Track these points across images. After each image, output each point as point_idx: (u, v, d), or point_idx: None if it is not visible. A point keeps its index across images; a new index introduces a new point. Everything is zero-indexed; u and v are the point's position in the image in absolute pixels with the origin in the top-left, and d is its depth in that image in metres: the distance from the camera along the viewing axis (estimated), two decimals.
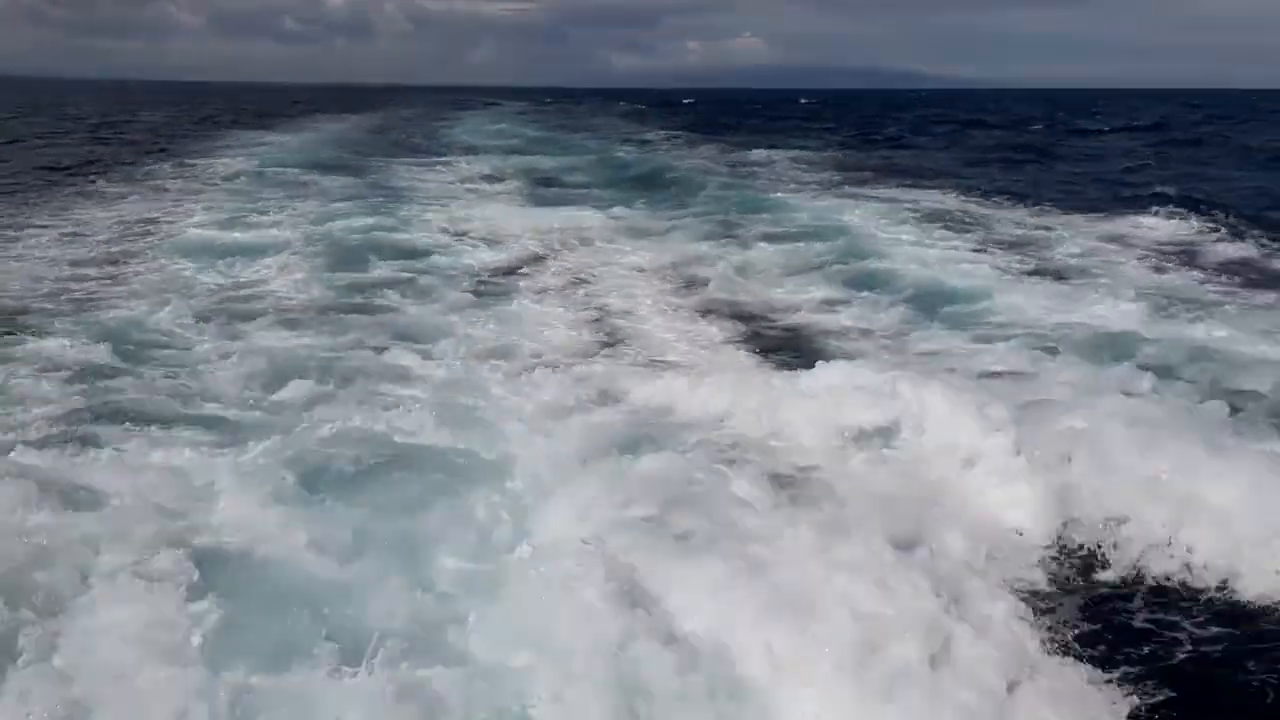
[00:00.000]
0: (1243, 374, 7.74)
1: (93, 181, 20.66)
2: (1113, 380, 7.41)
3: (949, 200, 19.05)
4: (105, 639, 3.91)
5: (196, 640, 3.92)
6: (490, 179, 23.66)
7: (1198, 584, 5.08)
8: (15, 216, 15.35)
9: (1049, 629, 4.57)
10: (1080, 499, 5.69)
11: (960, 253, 13.37)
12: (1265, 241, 13.94)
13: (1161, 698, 4.09)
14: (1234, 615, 4.83)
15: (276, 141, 33.87)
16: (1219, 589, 5.02)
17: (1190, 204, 16.72)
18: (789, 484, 5.86)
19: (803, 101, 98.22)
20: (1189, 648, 4.53)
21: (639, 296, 11.19)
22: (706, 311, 10.56)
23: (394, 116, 56.98)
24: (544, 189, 22.09)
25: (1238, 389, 7.43)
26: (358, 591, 4.47)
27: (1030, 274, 11.99)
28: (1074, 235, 14.86)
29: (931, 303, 10.33)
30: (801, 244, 13.96)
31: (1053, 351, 8.51)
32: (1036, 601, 4.82)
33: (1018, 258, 13.00)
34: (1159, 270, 12.41)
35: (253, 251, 12.95)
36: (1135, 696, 4.07)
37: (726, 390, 7.24)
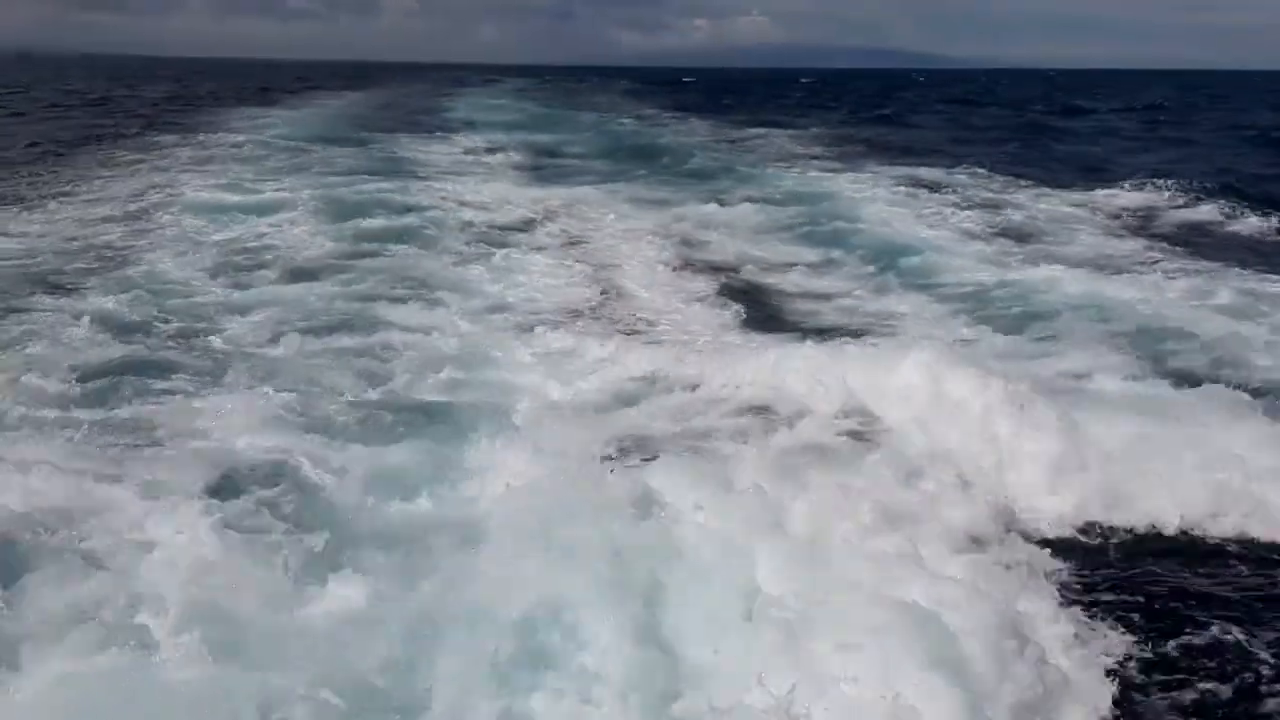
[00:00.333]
0: (1147, 333, 8.47)
1: (106, 152, 21.36)
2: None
3: (932, 174, 19.77)
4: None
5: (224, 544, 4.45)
6: (490, 151, 24.35)
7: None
8: (36, 186, 16.08)
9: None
10: None
11: (928, 219, 14.15)
12: (1220, 213, 14.65)
13: None
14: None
15: (282, 116, 34.50)
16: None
17: (1158, 177, 17.46)
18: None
19: (803, 80, 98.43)
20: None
21: (627, 255, 11.98)
22: (685, 265, 11.44)
23: (398, 93, 57.43)
24: (542, 159, 22.81)
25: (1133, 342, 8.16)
26: (367, 514, 5.10)
27: (992, 236, 12.77)
28: (1040, 203, 15.61)
29: (890, 261, 11.18)
30: (780, 208, 14.73)
31: (985, 308, 9.25)
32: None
33: (982, 224, 13.78)
34: (1114, 236, 13.18)
35: (262, 212, 13.76)
36: None
37: (713, 359, 7.76)
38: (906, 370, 6.63)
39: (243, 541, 4.49)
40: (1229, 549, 5.26)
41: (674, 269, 11.34)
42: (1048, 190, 17.32)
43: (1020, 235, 12.83)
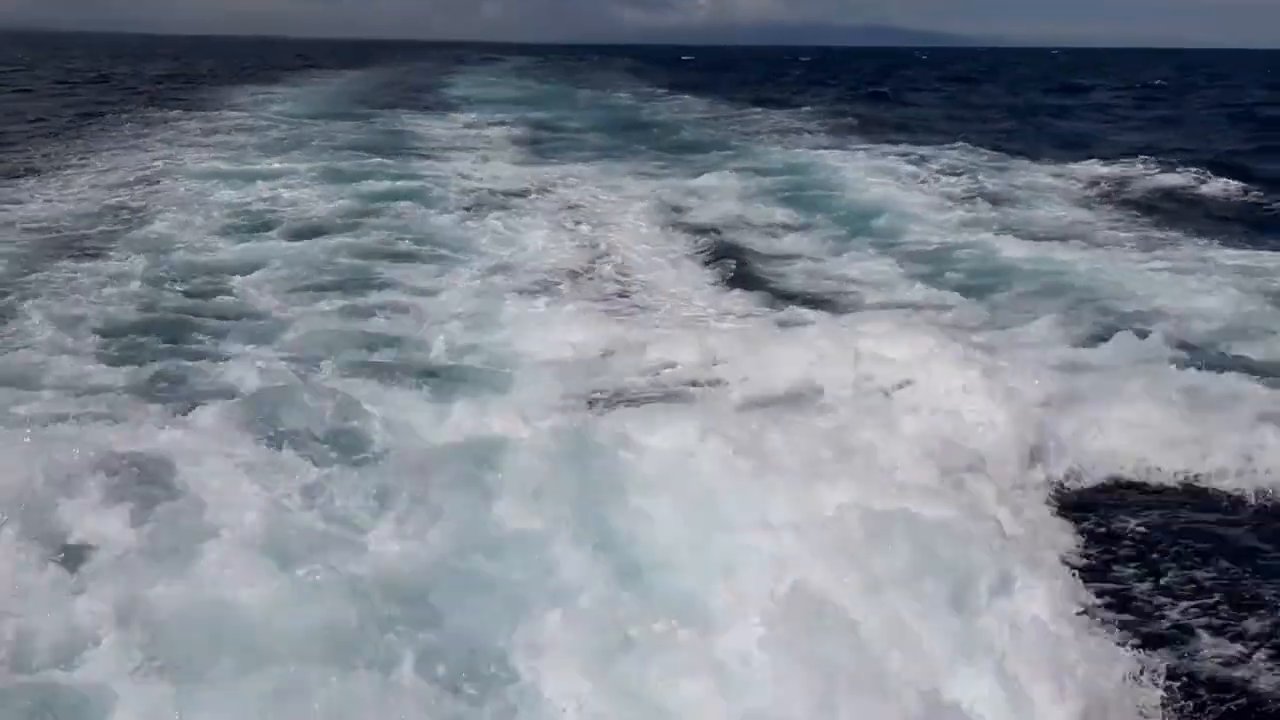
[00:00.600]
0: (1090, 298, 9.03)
1: (113, 127, 21.91)
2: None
3: (920, 149, 20.33)
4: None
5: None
6: (489, 127, 24.88)
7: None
8: (50, 158, 16.67)
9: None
10: None
11: (907, 186, 14.81)
12: (1186, 185, 15.20)
13: None
14: None
15: (283, 93, 35.00)
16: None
17: (1139, 152, 18.03)
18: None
19: (801, 59, 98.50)
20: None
21: (618, 221, 12.62)
22: (670, 227, 12.15)
23: (397, 71, 57.76)
24: (540, 135, 23.35)
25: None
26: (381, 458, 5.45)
27: (963, 202, 13.43)
28: (1020, 175, 16.21)
29: (863, 225, 11.80)
30: (765, 178, 15.38)
31: (943, 269, 9.90)
32: None
33: (958, 191, 14.43)
34: (1080, 205, 13.78)
35: (266, 178, 14.42)
36: None
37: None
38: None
39: (264, 482, 4.84)
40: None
41: (660, 229, 12.01)
42: (1029, 163, 17.89)
43: (993, 203, 13.47)
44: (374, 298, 8.69)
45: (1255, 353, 7.51)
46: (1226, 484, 5.63)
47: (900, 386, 6.61)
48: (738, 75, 60.98)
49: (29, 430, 5.27)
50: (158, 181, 14.15)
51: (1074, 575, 4.56)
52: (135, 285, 8.73)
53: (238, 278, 9.21)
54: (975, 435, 5.98)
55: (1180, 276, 9.46)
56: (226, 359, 6.99)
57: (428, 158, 18.00)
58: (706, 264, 10.58)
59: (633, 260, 10.75)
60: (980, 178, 15.64)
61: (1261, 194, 14.63)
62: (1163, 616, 4.36)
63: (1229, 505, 5.48)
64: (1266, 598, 4.48)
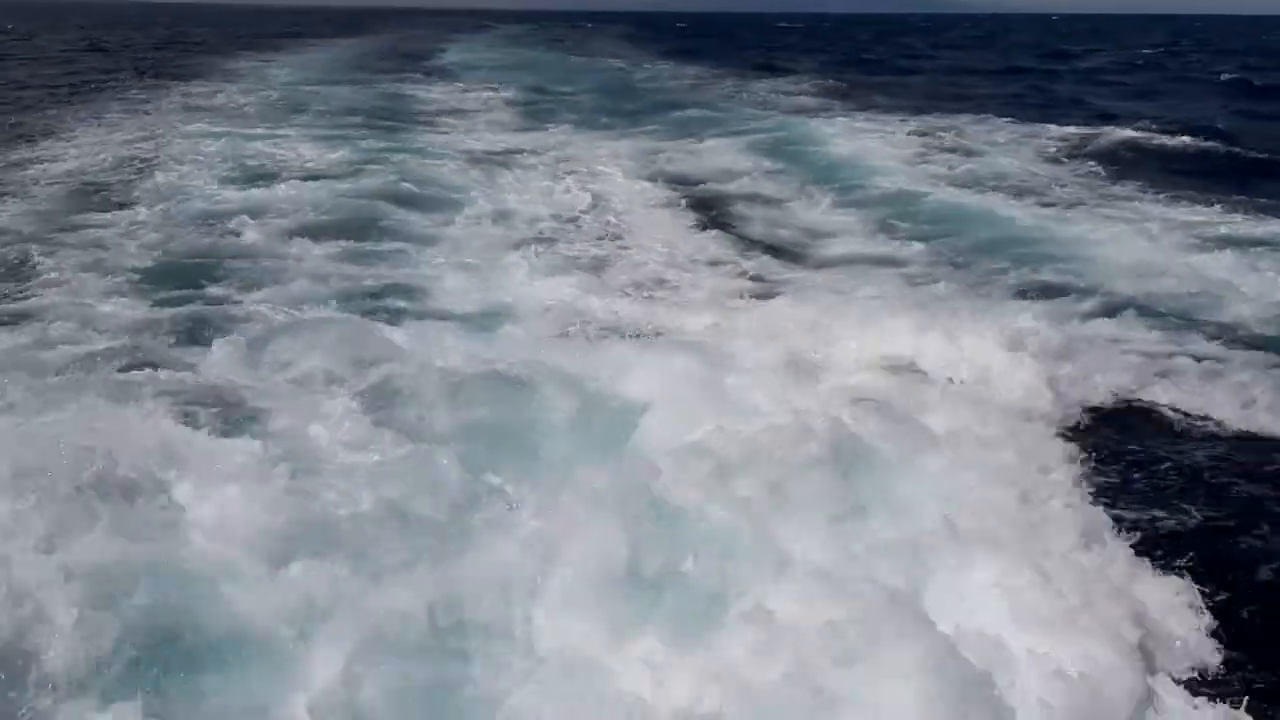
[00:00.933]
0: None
1: (118, 93, 22.52)
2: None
3: (902, 113, 21.02)
4: None
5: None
6: (485, 92, 25.45)
7: None
8: (63, 120, 17.34)
9: None
10: None
11: (882, 144, 15.56)
12: (1148, 147, 15.83)
13: None
14: None
15: (278, 60, 35.49)
16: None
17: (1106, 116, 18.72)
18: None
19: (798, 25, 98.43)
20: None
21: (608, 174, 13.43)
22: (654, 179, 13.06)
23: (389, 40, 57.91)
24: (533, 102, 23.93)
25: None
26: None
27: (927, 160, 14.26)
28: (994, 134, 16.94)
29: (833, 177, 12.65)
30: (746, 137, 16.13)
31: (907, 221, 10.73)
32: None
33: (928, 151, 15.21)
34: (1050, 162, 14.52)
35: (267, 139, 15.13)
36: None
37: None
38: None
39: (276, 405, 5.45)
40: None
41: (645, 182, 12.88)
42: (1002, 123, 18.58)
43: (958, 160, 14.26)
44: (374, 244, 9.40)
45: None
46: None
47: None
48: (731, 43, 61.20)
49: (78, 363, 6.02)
50: (165, 141, 14.85)
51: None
52: (153, 233, 9.47)
53: (247, 225, 9.85)
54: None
55: (1121, 228, 10.23)
56: (239, 300, 7.66)
57: (423, 123, 18.63)
58: (686, 212, 11.39)
59: (617, 208, 11.52)
60: (950, 136, 16.37)
61: (1222, 153, 15.35)
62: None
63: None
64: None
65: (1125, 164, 14.32)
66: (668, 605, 3.89)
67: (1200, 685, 3.72)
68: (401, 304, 7.71)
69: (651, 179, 13.24)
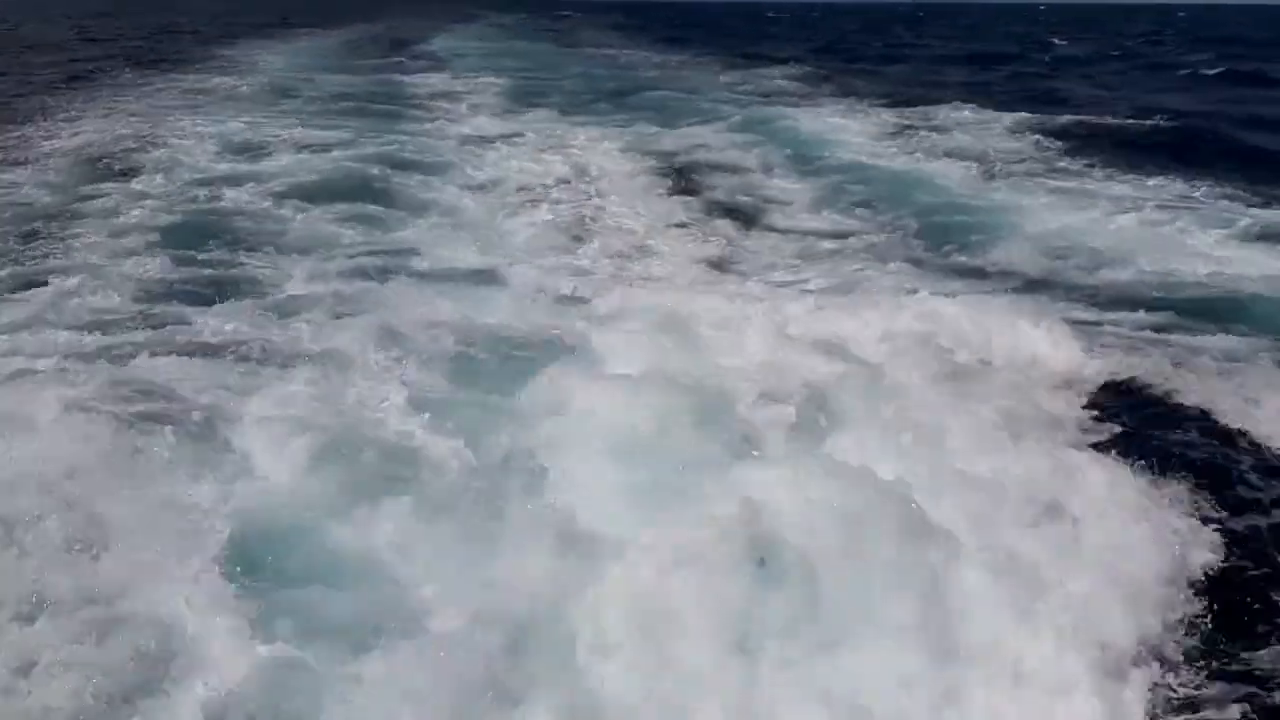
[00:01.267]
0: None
1: (113, 78, 23.15)
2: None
3: (870, 95, 21.85)
4: None
5: None
6: (473, 82, 26.12)
7: None
8: (66, 104, 18.05)
9: None
10: None
11: (850, 123, 16.46)
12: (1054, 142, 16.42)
13: None
14: None
15: (266, 46, 36.08)
16: None
17: (1064, 102, 19.59)
18: None
19: (783, 16, 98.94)
20: None
21: (592, 151, 14.27)
22: (628, 152, 13.99)
23: (380, 27, 58.38)
24: (520, 92, 24.63)
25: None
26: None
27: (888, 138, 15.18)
28: (951, 113, 17.85)
29: (799, 152, 13.58)
30: (722, 121, 16.95)
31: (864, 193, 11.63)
32: None
33: (893, 132, 16.07)
34: (990, 141, 15.37)
35: (266, 121, 15.89)
36: None
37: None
38: None
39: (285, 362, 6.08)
40: None
41: (625, 155, 13.85)
42: (968, 111, 19.40)
43: (912, 137, 15.20)
44: (371, 208, 10.23)
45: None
46: None
47: None
48: (718, 31, 61.84)
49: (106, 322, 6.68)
50: (162, 123, 15.58)
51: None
52: (159, 200, 10.26)
53: (248, 196, 10.64)
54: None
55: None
56: (245, 263, 8.42)
57: (414, 108, 19.36)
58: (660, 181, 12.31)
59: (597, 178, 12.40)
60: (915, 118, 17.24)
61: (1164, 129, 16.25)
62: None
63: None
64: None
65: (1072, 143, 15.17)
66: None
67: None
68: (396, 263, 8.41)
69: (631, 155, 14.08)
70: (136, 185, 10.92)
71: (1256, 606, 4.02)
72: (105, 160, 12.29)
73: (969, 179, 12.21)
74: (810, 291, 7.64)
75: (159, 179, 11.14)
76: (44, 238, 8.81)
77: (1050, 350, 6.46)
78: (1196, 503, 4.61)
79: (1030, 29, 71.17)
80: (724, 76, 27.70)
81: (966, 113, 18.01)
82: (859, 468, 4.66)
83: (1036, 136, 15.61)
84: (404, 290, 7.57)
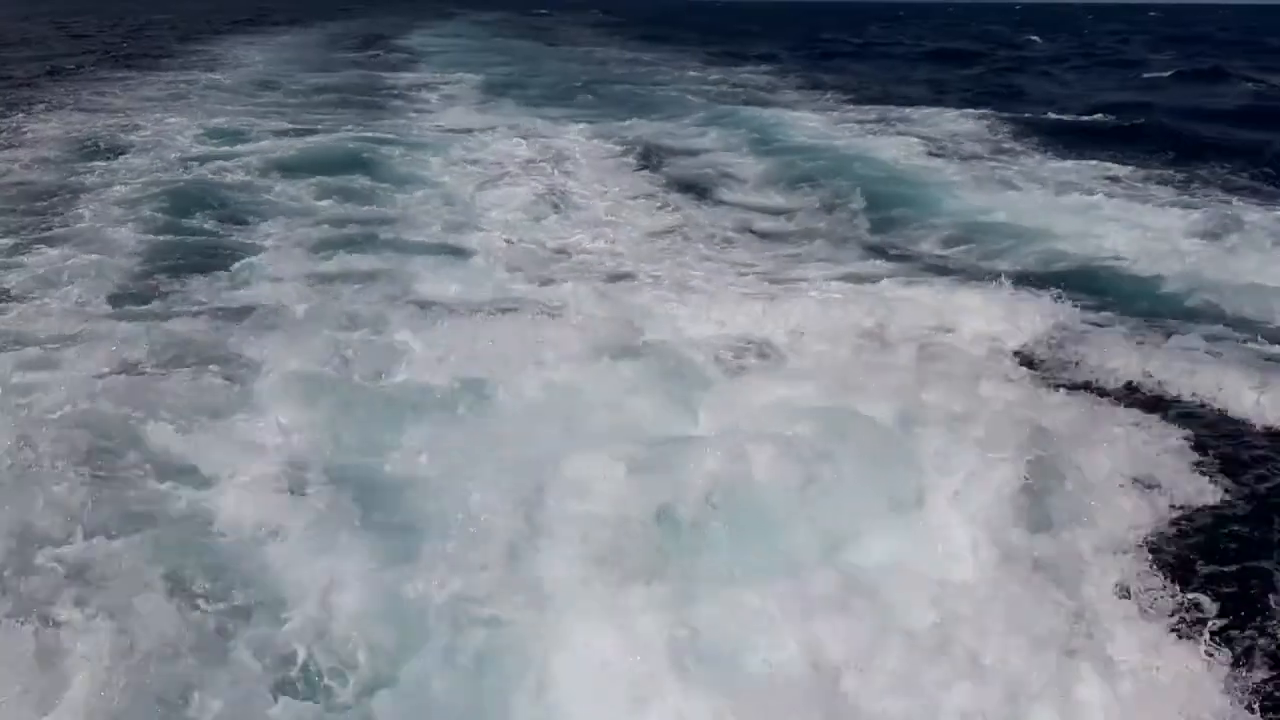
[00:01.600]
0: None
1: (95, 74, 23.67)
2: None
3: (834, 89, 22.72)
4: None
5: None
6: (452, 78, 26.74)
7: None
8: (55, 96, 18.62)
9: None
10: None
11: (808, 114, 17.33)
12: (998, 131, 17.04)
13: None
14: None
15: (243, 41, 36.57)
16: None
17: (997, 99, 20.51)
18: None
19: (758, 15, 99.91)
20: None
21: (563, 137, 15.05)
22: (598, 138, 14.85)
23: (359, 24, 58.80)
24: (500, 86, 25.30)
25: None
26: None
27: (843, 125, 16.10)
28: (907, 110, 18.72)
29: (762, 138, 14.56)
30: (687, 115, 17.76)
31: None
32: None
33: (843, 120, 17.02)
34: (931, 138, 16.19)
35: (248, 111, 16.55)
36: None
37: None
38: None
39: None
40: None
41: (589, 139, 14.62)
42: (920, 100, 20.33)
43: (866, 125, 16.10)
44: (351, 183, 10.95)
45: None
46: None
47: None
48: (693, 28, 62.62)
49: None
50: (148, 111, 16.23)
51: None
52: (147, 177, 10.98)
53: (230, 171, 11.41)
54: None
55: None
56: (233, 232, 9.17)
57: (393, 99, 20.04)
58: (629, 162, 13.06)
59: (568, 158, 13.19)
60: (870, 111, 18.15)
61: (1108, 127, 17.14)
62: None
63: None
64: None
65: (1017, 131, 16.06)
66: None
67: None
68: (375, 233, 9.07)
69: (600, 140, 14.87)
70: (124, 163, 11.64)
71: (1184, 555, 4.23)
72: (94, 143, 12.94)
73: (911, 162, 13.04)
74: (749, 265, 8.42)
75: (145, 160, 11.83)
76: (41, 211, 9.47)
77: (967, 317, 6.91)
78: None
79: (1001, 28, 72.37)
80: (695, 72, 28.48)
81: (923, 106, 18.88)
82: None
83: (983, 126, 16.48)
84: (383, 259, 8.23)
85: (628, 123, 16.57)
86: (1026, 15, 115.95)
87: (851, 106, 19.58)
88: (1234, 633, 3.70)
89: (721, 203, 10.99)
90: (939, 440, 5.14)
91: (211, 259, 8.18)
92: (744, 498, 4.56)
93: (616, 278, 8.02)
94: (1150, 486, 4.64)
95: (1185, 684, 3.54)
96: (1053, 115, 18.52)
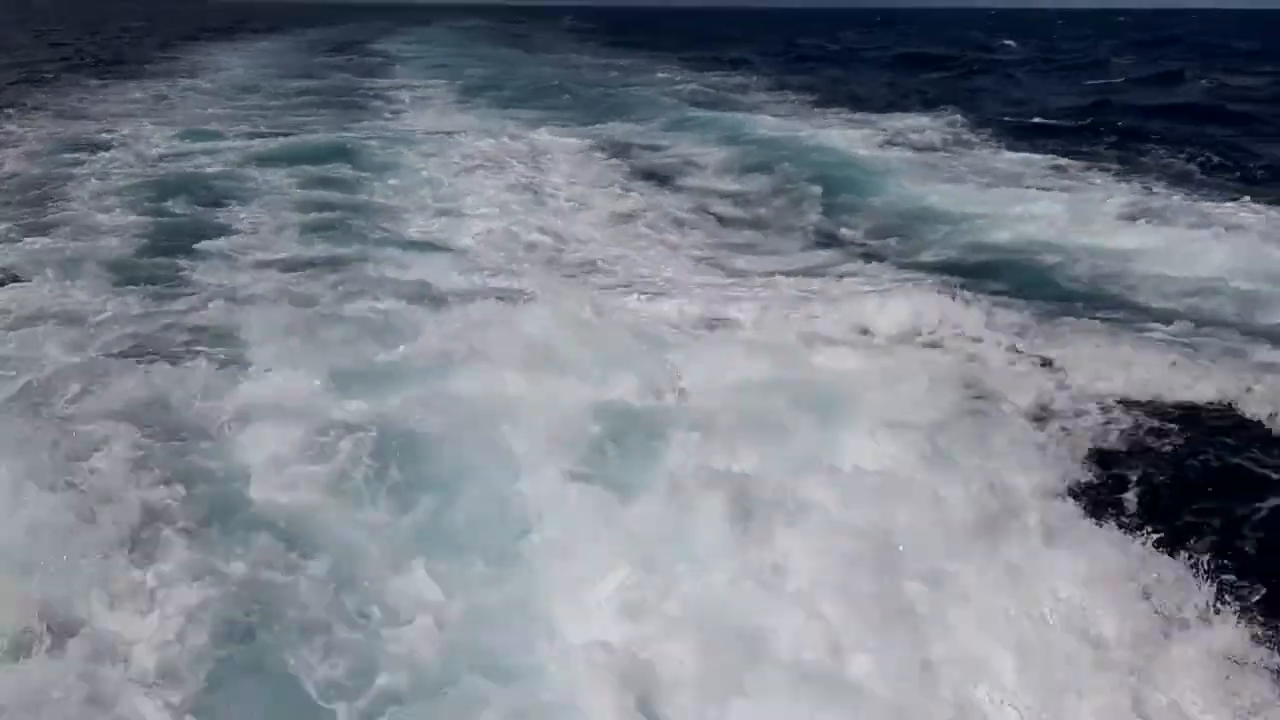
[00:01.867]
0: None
1: (74, 81, 24.08)
2: None
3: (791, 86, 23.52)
4: None
5: None
6: (427, 86, 27.26)
7: None
8: (53, 99, 19.08)
9: None
10: None
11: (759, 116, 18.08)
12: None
13: None
14: None
15: (218, 48, 37.00)
16: None
17: (947, 101, 21.22)
18: None
19: (732, 18, 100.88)
20: None
21: (537, 134, 15.62)
22: (565, 132, 15.49)
23: (333, 32, 59.19)
24: (475, 91, 25.85)
25: None
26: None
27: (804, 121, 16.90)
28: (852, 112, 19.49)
29: (722, 134, 15.25)
30: (647, 121, 18.45)
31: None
32: None
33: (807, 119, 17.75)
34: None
35: (227, 114, 17.08)
36: None
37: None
38: None
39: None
40: None
41: (561, 137, 15.23)
42: (865, 112, 20.94)
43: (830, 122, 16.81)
44: (337, 172, 11.53)
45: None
46: None
47: None
48: (667, 35, 63.35)
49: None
50: (128, 114, 16.73)
51: None
52: (132, 169, 11.58)
53: (208, 165, 12.02)
54: None
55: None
56: (214, 218, 9.70)
57: (371, 100, 20.59)
58: (593, 154, 13.81)
59: (543, 151, 13.83)
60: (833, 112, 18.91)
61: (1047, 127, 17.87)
62: None
63: None
64: None
65: (971, 130, 16.80)
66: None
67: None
68: (357, 221, 9.59)
69: (571, 135, 15.54)
70: (107, 159, 12.20)
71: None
72: (78, 142, 13.44)
73: (863, 152, 13.76)
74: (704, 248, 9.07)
75: (127, 155, 12.41)
76: (31, 203, 10.00)
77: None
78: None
79: (977, 33, 73.53)
80: (663, 73, 29.23)
81: (888, 107, 19.60)
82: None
83: (942, 123, 17.17)
84: (359, 249, 8.71)
85: (598, 123, 17.17)
86: (1000, 21, 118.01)
87: (818, 107, 20.27)
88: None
89: (681, 189, 11.69)
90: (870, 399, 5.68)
91: (192, 248, 8.58)
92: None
93: (584, 263, 8.58)
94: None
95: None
96: (1009, 116, 19.26)
